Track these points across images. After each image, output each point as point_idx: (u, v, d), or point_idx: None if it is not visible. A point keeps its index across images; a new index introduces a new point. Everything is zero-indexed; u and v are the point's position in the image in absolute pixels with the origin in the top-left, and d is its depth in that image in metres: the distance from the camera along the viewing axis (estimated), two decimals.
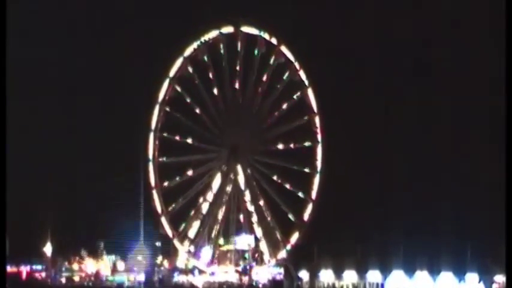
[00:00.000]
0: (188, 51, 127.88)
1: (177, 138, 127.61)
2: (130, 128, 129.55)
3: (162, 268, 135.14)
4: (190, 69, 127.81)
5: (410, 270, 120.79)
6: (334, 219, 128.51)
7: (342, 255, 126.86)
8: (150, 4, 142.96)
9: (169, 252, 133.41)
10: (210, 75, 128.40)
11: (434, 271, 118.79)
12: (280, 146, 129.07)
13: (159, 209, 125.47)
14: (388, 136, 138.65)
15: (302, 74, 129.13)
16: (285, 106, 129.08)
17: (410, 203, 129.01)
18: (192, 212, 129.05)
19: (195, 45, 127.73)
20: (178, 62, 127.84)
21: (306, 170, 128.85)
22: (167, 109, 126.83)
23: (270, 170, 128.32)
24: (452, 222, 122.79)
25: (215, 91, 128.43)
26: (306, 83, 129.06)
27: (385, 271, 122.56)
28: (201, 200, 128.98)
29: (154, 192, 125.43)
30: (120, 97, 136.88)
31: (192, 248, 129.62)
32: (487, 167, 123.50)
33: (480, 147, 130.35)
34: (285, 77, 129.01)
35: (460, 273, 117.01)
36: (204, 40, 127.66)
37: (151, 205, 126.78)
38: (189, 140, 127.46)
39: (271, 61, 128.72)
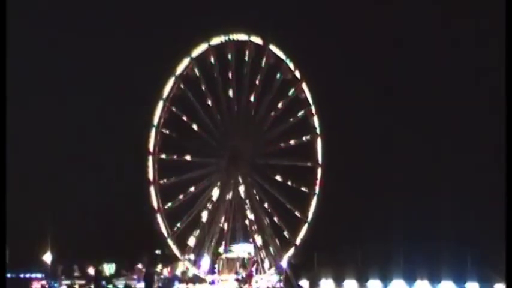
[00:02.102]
0: (215, 41, 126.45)
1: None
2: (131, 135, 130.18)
3: (162, 276, 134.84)
4: (212, 59, 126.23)
5: (410, 279, 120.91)
6: (335, 228, 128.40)
7: (342, 264, 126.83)
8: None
9: (169, 260, 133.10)
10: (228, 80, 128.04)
11: (434, 280, 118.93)
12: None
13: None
14: (388, 145, 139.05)
15: (316, 120, 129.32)
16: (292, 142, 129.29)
17: (411, 212, 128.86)
18: (192, 220, 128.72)
19: (222, 38, 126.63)
20: (203, 47, 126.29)
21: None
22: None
23: (270, 177, 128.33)
24: (453, 231, 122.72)
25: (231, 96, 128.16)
26: (317, 130, 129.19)
27: (386, 280, 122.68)
28: (201, 208, 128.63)
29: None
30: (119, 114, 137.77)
31: (192, 257, 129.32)
32: (488, 174, 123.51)
33: (481, 155, 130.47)
34: (299, 115, 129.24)
35: (460, 282, 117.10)
36: (232, 39, 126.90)
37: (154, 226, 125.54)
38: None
39: (290, 93, 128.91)
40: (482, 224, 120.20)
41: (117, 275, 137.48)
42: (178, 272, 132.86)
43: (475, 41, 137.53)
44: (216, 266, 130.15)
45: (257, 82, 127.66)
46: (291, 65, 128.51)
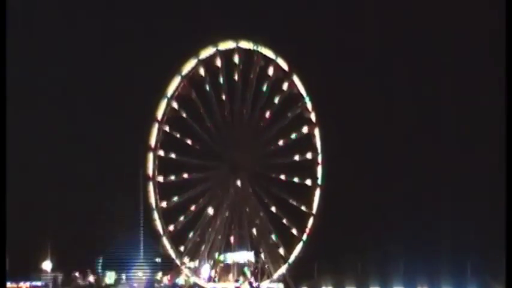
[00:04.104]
0: (243, 44, 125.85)
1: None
2: (130, 144, 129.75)
3: (162, 284, 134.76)
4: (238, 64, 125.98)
5: (410, 287, 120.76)
6: (335, 236, 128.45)
7: (342, 271, 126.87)
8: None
9: (169, 268, 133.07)
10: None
11: (434, 287, 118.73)
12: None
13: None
14: (388, 154, 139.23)
15: (320, 169, 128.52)
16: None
17: (411, 220, 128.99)
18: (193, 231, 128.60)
19: (251, 46, 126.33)
20: (231, 45, 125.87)
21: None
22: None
23: (270, 185, 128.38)
24: (452, 239, 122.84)
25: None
26: (319, 180, 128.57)
27: (386, 287, 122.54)
28: (201, 216, 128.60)
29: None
30: (119, 114, 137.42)
31: (192, 264, 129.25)
32: (487, 181, 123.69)
33: (481, 162, 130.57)
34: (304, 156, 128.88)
35: None
36: (259, 50, 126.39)
37: (151, 224, 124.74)
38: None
39: (299, 130, 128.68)
40: (482, 231, 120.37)
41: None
42: (178, 280, 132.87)
43: (475, 42, 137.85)
44: (216, 273, 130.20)
45: (269, 111, 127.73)
46: (309, 105, 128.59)
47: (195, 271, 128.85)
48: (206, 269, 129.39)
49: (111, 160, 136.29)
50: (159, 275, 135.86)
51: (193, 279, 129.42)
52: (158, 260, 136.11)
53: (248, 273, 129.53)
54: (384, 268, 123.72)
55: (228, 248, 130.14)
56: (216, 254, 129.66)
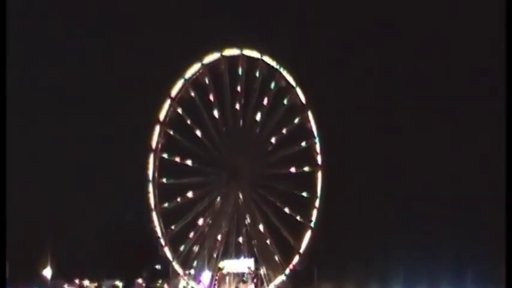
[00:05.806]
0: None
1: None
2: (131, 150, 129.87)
3: None
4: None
5: None
6: (335, 240, 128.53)
7: (342, 277, 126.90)
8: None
9: (169, 275, 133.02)
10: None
11: None
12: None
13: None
14: (388, 160, 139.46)
15: (315, 213, 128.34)
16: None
17: (411, 226, 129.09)
18: (192, 235, 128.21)
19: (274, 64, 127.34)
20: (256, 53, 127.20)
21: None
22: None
23: (271, 192, 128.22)
24: (453, 246, 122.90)
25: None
26: (312, 224, 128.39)
27: None
28: (201, 222, 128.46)
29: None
30: (120, 118, 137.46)
31: (191, 271, 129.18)
32: (488, 189, 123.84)
33: (481, 170, 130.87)
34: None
35: None
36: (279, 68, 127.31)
37: (151, 227, 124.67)
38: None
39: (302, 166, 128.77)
40: (482, 239, 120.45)
41: None
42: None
43: (475, 44, 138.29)
44: (217, 280, 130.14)
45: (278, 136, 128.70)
46: (318, 146, 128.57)
47: (195, 278, 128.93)
48: (207, 276, 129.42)
49: (112, 165, 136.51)
50: (159, 282, 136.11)
51: (192, 286, 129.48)
52: (158, 266, 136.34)
53: (248, 280, 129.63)
54: (384, 274, 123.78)
55: (228, 255, 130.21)
56: (216, 261, 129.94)
